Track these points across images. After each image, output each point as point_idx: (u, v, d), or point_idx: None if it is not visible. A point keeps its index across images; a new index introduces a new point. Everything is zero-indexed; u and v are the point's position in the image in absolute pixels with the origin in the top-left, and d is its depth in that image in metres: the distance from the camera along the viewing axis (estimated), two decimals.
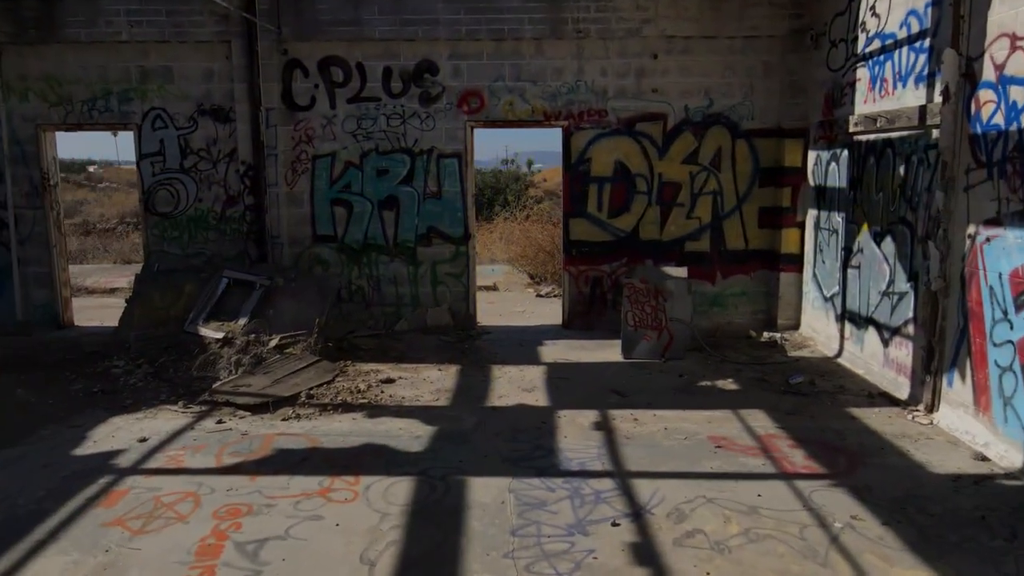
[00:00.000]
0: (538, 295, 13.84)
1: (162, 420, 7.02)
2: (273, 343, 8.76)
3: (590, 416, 7.08)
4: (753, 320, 10.64)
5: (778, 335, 9.96)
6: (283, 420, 6.99)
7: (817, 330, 9.70)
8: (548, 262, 14.31)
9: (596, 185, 10.48)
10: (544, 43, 10.22)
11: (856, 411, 7.12)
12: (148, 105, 10.43)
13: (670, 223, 10.51)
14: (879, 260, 7.92)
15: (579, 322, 10.77)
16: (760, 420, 6.92)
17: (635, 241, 10.54)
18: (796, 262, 10.26)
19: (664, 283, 9.01)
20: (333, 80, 10.38)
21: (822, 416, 7.01)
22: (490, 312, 12.07)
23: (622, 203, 10.48)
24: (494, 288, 14.68)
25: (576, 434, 6.62)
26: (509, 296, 13.98)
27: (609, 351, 9.49)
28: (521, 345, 9.94)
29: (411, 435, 6.60)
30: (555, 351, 9.61)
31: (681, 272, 9.37)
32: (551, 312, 12.09)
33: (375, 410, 7.29)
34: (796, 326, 10.34)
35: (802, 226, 10.17)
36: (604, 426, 6.81)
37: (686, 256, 10.52)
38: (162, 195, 10.63)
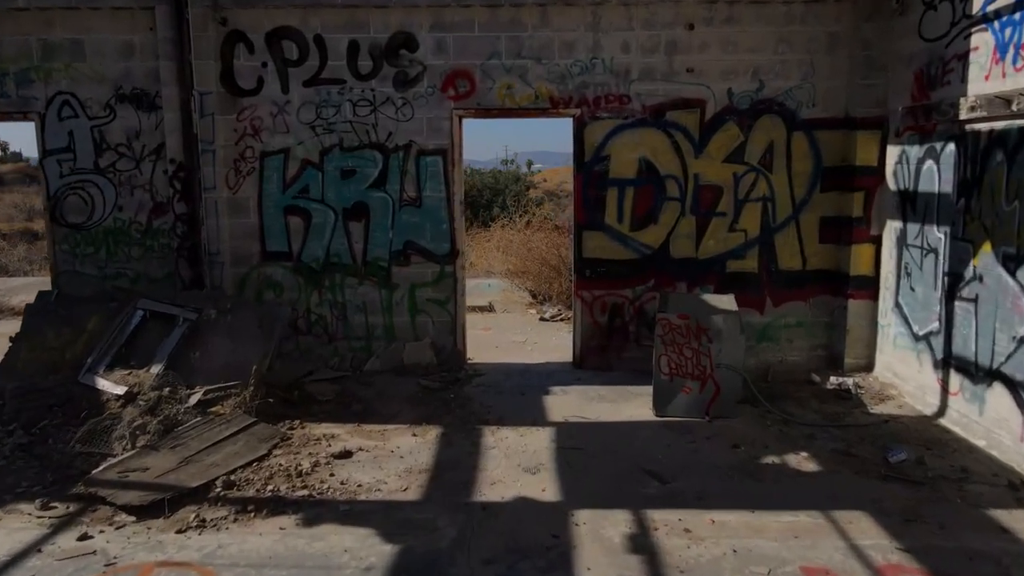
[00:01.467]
0: (541, 318, 11.69)
1: (1, 532, 4.87)
2: (194, 399, 6.63)
3: (621, 523, 4.95)
4: (811, 358, 8.50)
5: (848, 381, 7.81)
6: (178, 532, 4.85)
7: (902, 377, 7.55)
8: (554, 279, 12.16)
9: (616, 189, 8.34)
10: (550, 10, 8.09)
11: (1002, 516, 4.99)
12: (53, 89, 8.28)
13: (708, 237, 8.37)
14: (1013, 293, 5.78)
15: (594, 360, 8.62)
16: (868, 532, 4.79)
17: (664, 259, 8.40)
18: (869, 287, 8.12)
19: (709, 318, 6.86)
20: (285, 58, 8.24)
21: (955, 525, 4.89)
22: (484, 343, 9.93)
23: (648, 212, 8.34)
24: (490, 309, 12.53)
25: (604, 562, 4.48)
26: (507, 320, 11.83)
27: (635, 403, 7.36)
28: (522, 393, 7.80)
29: (359, 566, 4.46)
30: (566, 403, 7.47)
31: (728, 303, 7.23)
32: (558, 343, 9.95)
33: (316, 511, 5.16)
34: (868, 367, 8.20)
35: (878, 241, 8.04)
36: (643, 544, 4.68)
37: (728, 278, 8.39)
38: (72, 201, 8.48)
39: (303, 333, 8.69)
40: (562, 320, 11.52)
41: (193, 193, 8.26)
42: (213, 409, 6.62)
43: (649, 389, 7.38)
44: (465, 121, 8.61)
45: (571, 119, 8.37)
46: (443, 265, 8.54)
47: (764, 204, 8.31)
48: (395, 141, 8.34)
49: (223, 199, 8.40)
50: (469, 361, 9.01)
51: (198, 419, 6.38)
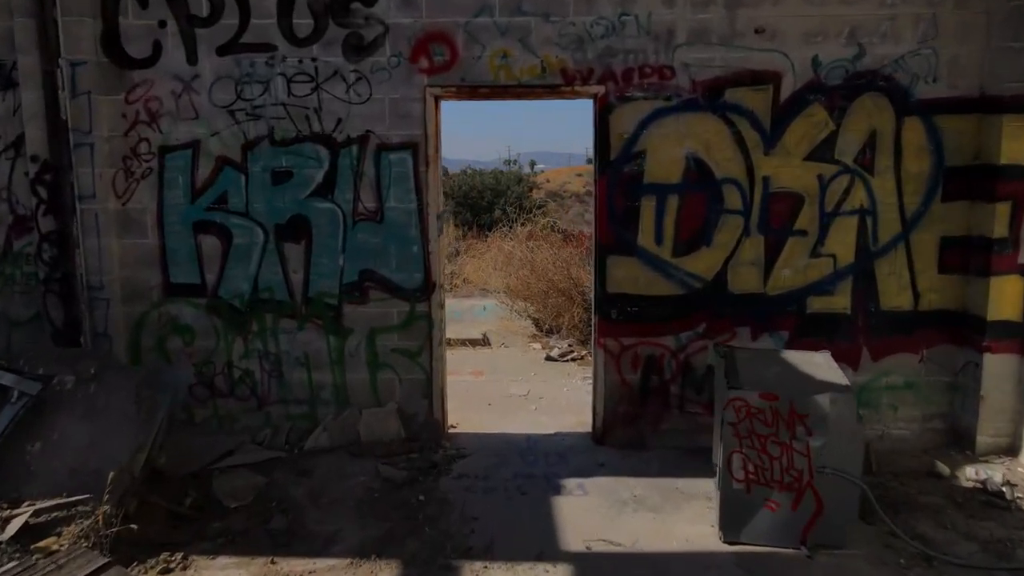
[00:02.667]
0: (548, 356, 9.31)
1: None
2: (12, 528, 4.28)
3: None
4: (925, 433, 6.11)
5: (995, 475, 5.42)
6: None
7: None
8: (564, 308, 9.77)
9: (653, 199, 5.97)
10: None
11: None
12: None
13: (782, 265, 6.00)
14: None
15: (622, 433, 6.25)
16: None
17: (720, 296, 6.03)
18: (1014, 335, 5.74)
19: (808, 399, 4.47)
20: (191, 14, 5.89)
21: None
22: (474, 395, 7.58)
23: (698, 230, 5.98)
24: (484, 342, 10.15)
25: None
26: (505, 358, 9.45)
27: (689, 513, 5.03)
28: (523, 492, 5.43)
29: None
30: (586, 512, 5.12)
31: (828, 368, 4.86)
32: (571, 398, 7.58)
33: None
34: (1013, 450, 5.82)
35: None
36: None
37: (808, 322, 6.02)
38: None
39: (222, 395, 6.32)
40: (574, 360, 9.15)
41: (64, 203, 5.91)
42: (43, 543, 4.26)
43: (703, 484, 5.10)
44: (447, 105, 6.23)
45: (591, 100, 6.01)
46: (414, 303, 6.17)
47: (861, 219, 5.93)
48: (346, 131, 5.98)
49: (108, 211, 6.04)
50: (451, 429, 6.64)
51: (10, 565, 4.01)
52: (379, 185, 6.05)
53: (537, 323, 10.41)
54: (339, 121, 5.98)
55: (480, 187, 24.54)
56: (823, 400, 4.43)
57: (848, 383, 4.63)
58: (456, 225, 21.05)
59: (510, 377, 8.47)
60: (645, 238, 6.02)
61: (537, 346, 9.93)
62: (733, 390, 4.55)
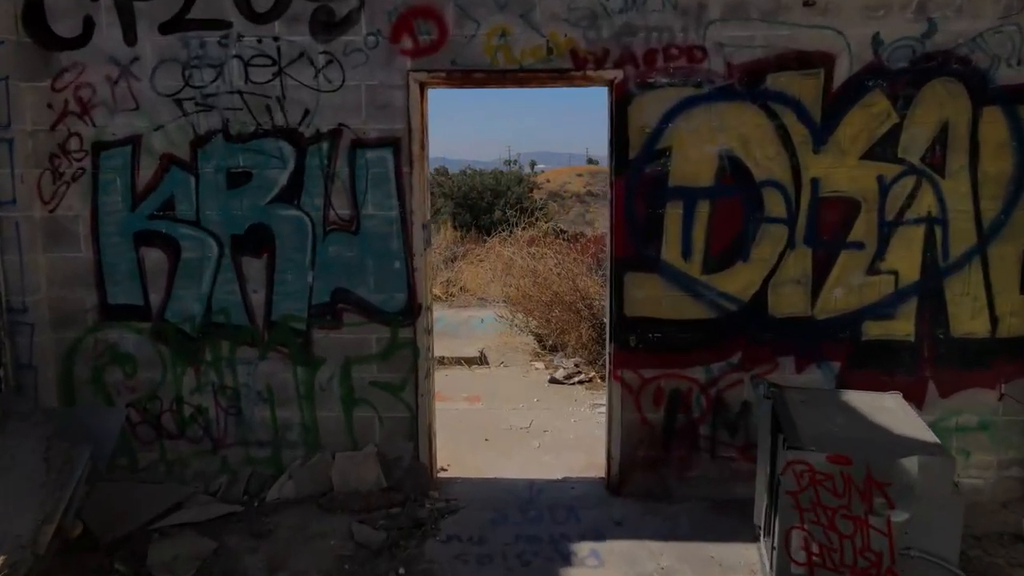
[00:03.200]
0: (552, 379, 8.34)
1: None
2: None
3: None
4: (1001, 481, 5.17)
5: None
6: None
7: None
8: (571, 324, 8.78)
9: (680, 204, 5.01)
10: None
11: None
12: None
13: (834, 283, 5.03)
14: None
15: (642, 480, 5.29)
16: None
17: (759, 319, 5.07)
18: None
19: (891, 463, 3.50)
20: None
21: None
22: (469, 427, 6.64)
23: (734, 242, 5.02)
24: (481, 361, 9.18)
25: None
26: (505, 380, 8.49)
27: None
28: (525, 563, 4.49)
29: None
30: None
31: (911, 420, 3.89)
32: (580, 431, 6.62)
33: None
34: None
35: None
36: None
37: (864, 351, 5.07)
38: None
39: (171, 436, 5.36)
40: (582, 384, 8.18)
41: None
42: None
43: (744, 551, 4.23)
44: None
45: (606, 88, 5.05)
46: (396, 328, 5.21)
47: (928, 229, 4.96)
48: (315, 125, 5.02)
49: (33, 220, 5.09)
50: (441, 473, 5.69)
51: None
52: (354, 189, 5.09)
53: (540, 338, 9.43)
54: (306, 113, 5.02)
55: (480, 187, 23.59)
56: (910, 465, 3.46)
57: (936, 441, 3.66)
58: (454, 227, 20.11)
59: (510, 404, 7.51)
60: (670, 252, 5.06)
61: (540, 365, 8.96)
62: (793, 450, 3.58)
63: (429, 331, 5.35)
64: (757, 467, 4.52)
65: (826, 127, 4.90)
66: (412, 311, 5.20)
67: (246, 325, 5.23)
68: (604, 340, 8.54)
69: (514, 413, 7.22)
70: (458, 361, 9.07)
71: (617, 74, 4.90)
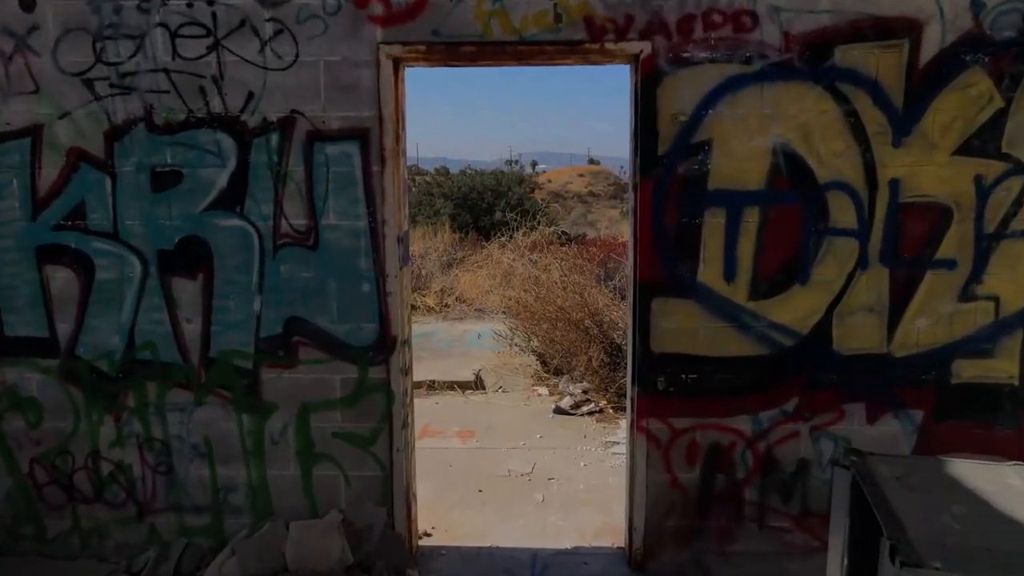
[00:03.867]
0: (556, 409, 7.28)
1: None
2: None
3: None
4: None
5: None
6: None
7: None
8: (578, 345, 7.69)
9: (722, 212, 3.96)
10: None
11: None
12: None
13: (917, 312, 3.98)
14: None
15: (672, 557, 4.24)
16: None
17: (820, 356, 4.03)
18: None
19: None
20: None
21: None
22: (458, 476, 5.60)
23: (789, 260, 3.97)
24: (476, 385, 8.13)
25: None
26: (502, 410, 7.44)
27: None
28: None
29: None
30: None
31: None
32: (591, 481, 5.57)
33: None
34: None
35: None
36: None
37: (956, 395, 4.02)
38: None
39: (86, 500, 4.32)
40: (591, 414, 7.12)
41: None
42: None
43: None
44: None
45: (629, 65, 3.99)
46: (365, 367, 4.16)
47: None
48: (261, 112, 3.96)
49: None
50: (423, 540, 4.64)
51: None
52: (312, 193, 4.04)
53: (543, 358, 8.37)
54: (250, 96, 3.97)
55: (480, 188, 22.57)
56: None
57: None
58: (453, 229, 19.09)
59: (508, 441, 6.46)
60: (709, 272, 4.00)
61: (543, 391, 7.91)
62: (911, 569, 2.51)
63: (406, 370, 4.29)
64: (828, 556, 3.46)
65: (910, 114, 3.84)
66: (385, 345, 4.14)
67: (178, 363, 4.18)
68: (617, 364, 7.53)
69: (513, 454, 6.16)
70: (451, 386, 8.02)
71: (644, 47, 3.85)
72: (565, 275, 8.47)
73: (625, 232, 20.63)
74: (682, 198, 3.96)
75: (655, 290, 4.05)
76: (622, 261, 10.86)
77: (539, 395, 7.84)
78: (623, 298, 10.09)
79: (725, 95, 3.88)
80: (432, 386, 8.00)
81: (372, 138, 3.99)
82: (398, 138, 4.05)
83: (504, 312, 10.83)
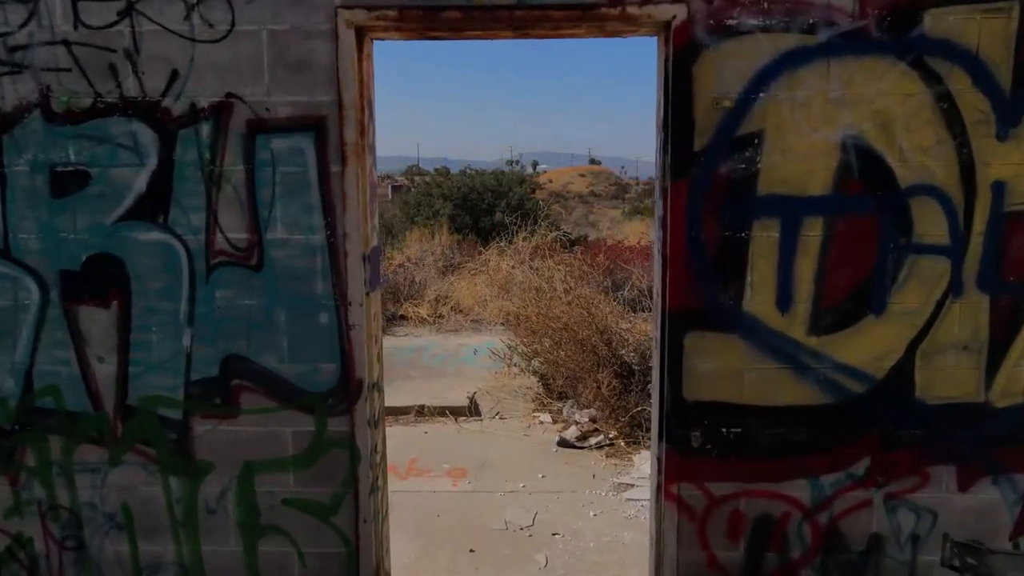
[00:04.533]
0: (561, 441, 6.42)
1: None
2: None
3: None
4: None
5: None
6: None
7: None
8: (584, 366, 6.80)
9: (775, 224, 3.09)
10: None
11: None
12: None
13: (1023, 351, 3.08)
14: None
15: None
16: None
17: (899, 406, 3.15)
18: None
19: None
20: None
21: None
22: (447, 531, 4.76)
23: (859, 284, 3.11)
24: (471, 411, 7.26)
25: None
26: (499, 441, 6.58)
27: None
28: None
29: None
30: None
31: None
32: (602, 538, 4.72)
33: None
34: None
35: None
36: None
37: None
38: None
39: None
40: (600, 447, 6.26)
41: None
42: None
43: None
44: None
45: (656, 36, 3.12)
46: (323, 416, 3.30)
47: None
48: (189, 96, 3.10)
49: None
50: None
51: None
52: (254, 199, 3.18)
53: (545, 380, 7.49)
54: (174, 76, 3.11)
55: (480, 188, 21.67)
56: None
57: None
58: (451, 231, 18.20)
59: (506, 483, 5.60)
60: (758, 299, 3.13)
61: (546, 418, 7.04)
62: None
63: (375, 422, 3.42)
64: None
65: (1020, 99, 2.97)
66: (348, 391, 3.28)
67: (88, 412, 3.32)
68: (628, 388, 6.66)
69: (511, 500, 5.30)
70: (442, 411, 7.15)
71: (676, 12, 2.98)
72: (569, 286, 7.58)
73: (630, 234, 19.68)
74: (725, 206, 3.09)
75: (689, 321, 3.18)
76: (630, 269, 10.00)
77: (541, 423, 6.97)
78: (634, 311, 9.24)
79: (781, 74, 3.01)
80: (421, 412, 7.15)
81: (330, 130, 3.13)
82: (364, 130, 3.19)
83: (503, 324, 9.99)
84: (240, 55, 3.10)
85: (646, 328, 8.31)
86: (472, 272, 12.31)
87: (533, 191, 27.85)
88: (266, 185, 3.18)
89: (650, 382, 6.77)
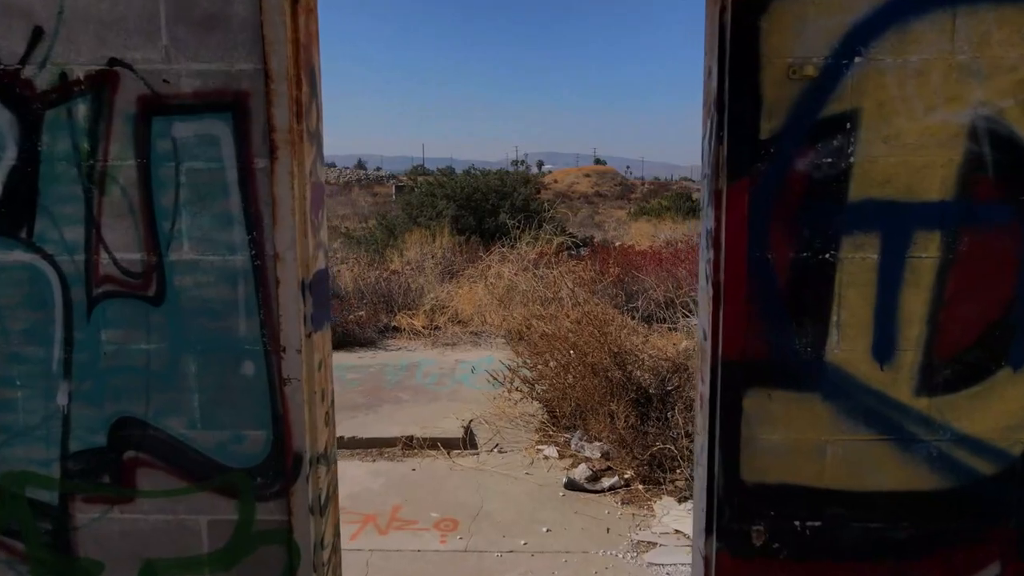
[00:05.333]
0: (569, 483, 5.52)
1: None
2: None
3: None
4: None
5: None
6: None
7: None
8: (598, 396, 5.89)
9: (873, 240, 2.18)
10: None
11: None
12: None
13: None
14: None
15: None
16: None
17: None
18: None
19: None
20: None
21: None
22: None
23: (989, 326, 2.19)
24: (466, 444, 6.37)
25: None
26: (496, 480, 5.71)
27: None
28: None
29: None
30: None
31: None
32: None
33: None
34: None
35: None
36: None
37: None
38: None
39: None
40: (614, 490, 5.37)
41: None
42: None
43: None
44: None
45: None
46: (249, 501, 2.41)
47: None
48: (57, 61, 2.21)
49: None
50: None
51: None
52: (151, 207, 2.29)
53: (551, 412, 6.59)
54: (37, 35, 2.23)
55: (484, 189, 20.82)
56: None
57: None
58: (452, 233, 17.31)
59: (504, 539, 4.71)
60: (848, 345, 2.24)
61: (551, 452, 6.15)
62: None
63: (323, 506, 2.53)
64: None
65: None
66: (283, 467, 2.39)
67: None
68: (646, 416, 5.79)
69: (510, 564, 4.41)
70: (434, 444, 6.26)
71: None
72: (578, 300, 6.67)
73: (637, 235, 18.72)
74: (802, 216, 2.20)
75: (751, 376, 2.29)
76: (643, 278, 9.11)
77: (546, 457, 6.08)
78: (649, 324, 8.35)
79: (886, 30, 2.12)
80: (410, 444, 6.27)
81: (254, 110, 2.25)
82: (301, 110, 2.30)
83: (504, 338, 9.12)
84: (128, 6, 2.22)
85: (661, 343, 7.43)
86: (472, 280, 11.41)
87: (538, 191, 27.02)
88: (167, 187, 2.30)
89: (670, 411, 5.92)
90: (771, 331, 2.27)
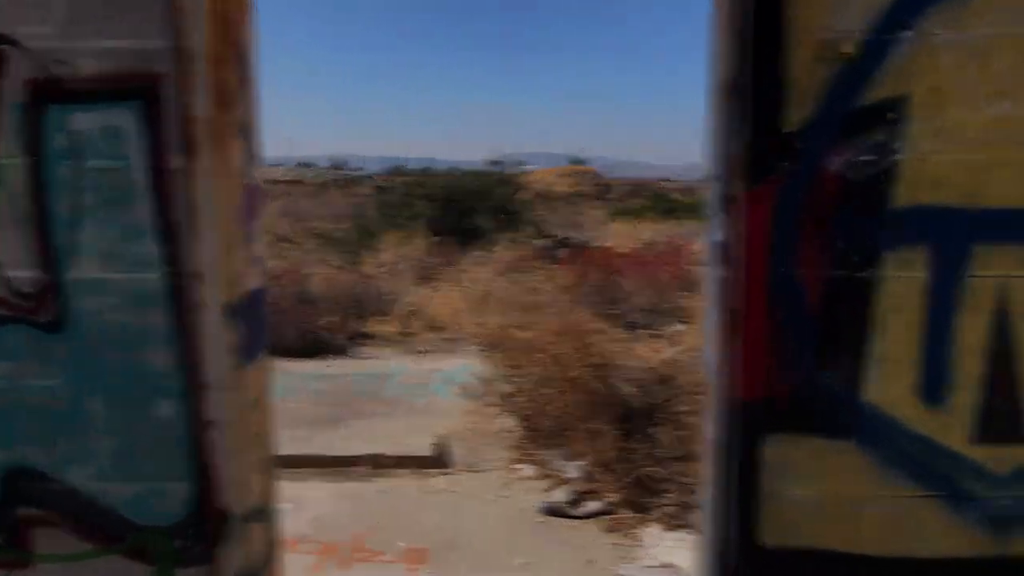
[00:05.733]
0: (547, 507, 5.10)
1: None
2: None
3: None
4: None
5: None
6: None
7: None
8: (578, 414, 5.50)
9: (924, 255, 1.78)
10: None
11: None
12: None
13: None
14: None
15: None
16: None
17: None
18: None
19: None
20: None
21: None
22: None
23: None
24: (438, 462, 5.95)
25: None
26: (469, 504, 5.31)
27: None
28: None
29: None
30: None
31: None
32: None
33: None
34: None
35: None
36: None
37: None
38: None
39: None
40: (597, 516, 4.98)
41: None
42: None
43: None
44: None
45: None
46: (170, 566, 1.97)
47: None
48: None
49: None
50: None
51: None
52: (45, 214, 1.85)
53: (529, 426, 6.18)
54: None
55: (462, 190, 20.39)
56: None
57: None
58: (427, 235, 16.85)
59: (477, 572, 4.29)
60: (890, 384, 1.86)
61: (529, 471, 5.74)
62: None
63: (258, 572, 2.10)
64: None
65: None
66: (206, 526, 1.97)
67: None
68: (629, 433, 5.42)
69: None
70: (401, 461, 5.85)
71: None
72: (558, 309, 6.28)
73: (616, 235, 18.42)
74: (836, 226, 1.82)
75: (772, 419, 1.90)
76: (623, 284, 8.75)
77: (522, 478, 5.67)
78: (631, 329, 7.97)
79: (942, 2, 1.73)
80: (378, 463, 5.84)
81: (164, 99, 1.82)
82: (227, 99, 1.88)
83: (480, 347, 8.70)
84: None
85: (645, 352, 7.05)
86: (448, 283, 11.00)
87: (516, 192, 26.62)
88: (65, 190, 1.87)
89: (656, 424, 5.54)
90: (797, 366, 1.88)
